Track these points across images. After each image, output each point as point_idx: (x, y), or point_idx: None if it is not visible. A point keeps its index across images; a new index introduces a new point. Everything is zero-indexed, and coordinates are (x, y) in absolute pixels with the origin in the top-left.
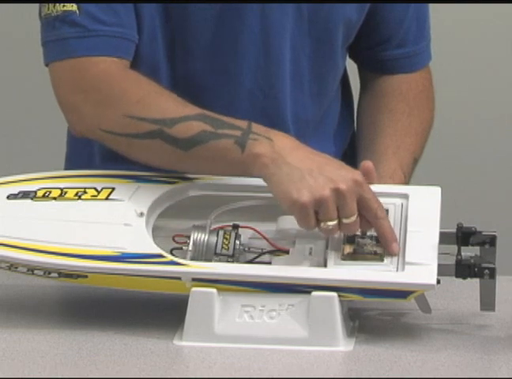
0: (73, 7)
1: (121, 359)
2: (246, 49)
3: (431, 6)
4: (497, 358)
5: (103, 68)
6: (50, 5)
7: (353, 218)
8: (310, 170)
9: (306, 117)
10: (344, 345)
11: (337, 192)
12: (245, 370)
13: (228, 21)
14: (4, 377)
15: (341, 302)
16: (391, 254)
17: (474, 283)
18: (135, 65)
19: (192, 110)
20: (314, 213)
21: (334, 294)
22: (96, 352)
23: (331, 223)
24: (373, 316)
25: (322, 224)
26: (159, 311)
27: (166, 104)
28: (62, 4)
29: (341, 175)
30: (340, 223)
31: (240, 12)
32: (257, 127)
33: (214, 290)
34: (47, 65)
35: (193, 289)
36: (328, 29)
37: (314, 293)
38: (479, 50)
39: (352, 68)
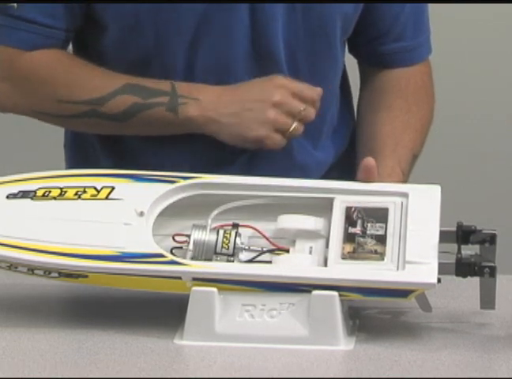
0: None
1: (121, 358)
2: (237, 43)
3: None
4: (497, 357)
5: (30, 60)
6: None
7: (305, 106)
8: (242, 105)
9: None
10: (344, 344)
11: (277, 106)
12: (245, 369)
13: (217, 15)
14: (4, 377)
15: (342, 300)
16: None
17: (474, 282)
18: (122, 56)
19: (117, 81)
20: (277, 132)
21: (335, 293)
22: (96, 351)
23: (293, 126)
24: (373, 315)
25: (287, 134)
26: (159, 310)
27: (93, 83)
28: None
29: (268, 91)
30: (299, 121)
31: (229, 5)
32: (181, 88)
33: (215, 290)
34: None
35: (194, 288)
36: (324, 23)
37: (315, 292)
38: (480, 48)
39: (352, 67)
